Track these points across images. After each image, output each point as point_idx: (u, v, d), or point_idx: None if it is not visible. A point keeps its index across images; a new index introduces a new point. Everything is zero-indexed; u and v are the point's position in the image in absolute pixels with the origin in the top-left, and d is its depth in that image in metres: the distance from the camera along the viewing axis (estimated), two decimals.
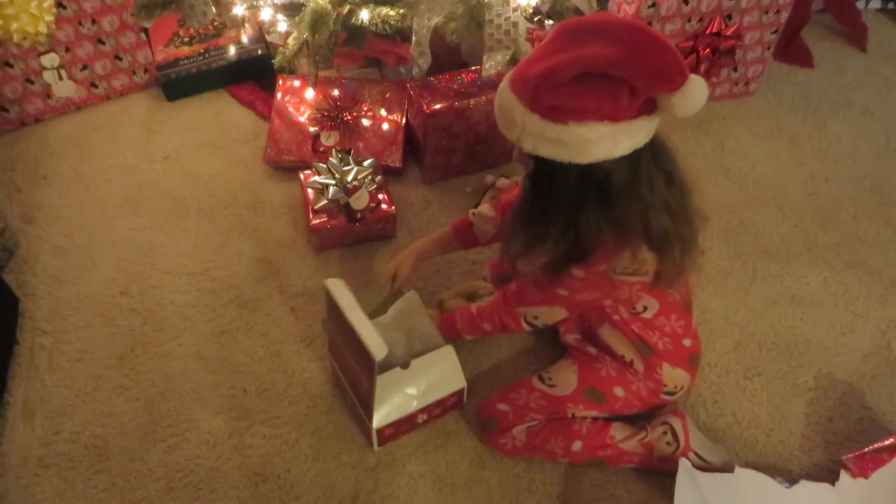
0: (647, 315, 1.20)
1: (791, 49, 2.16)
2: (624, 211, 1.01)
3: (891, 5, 2.44)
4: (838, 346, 1.48)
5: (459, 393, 1.30)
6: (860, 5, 2.40)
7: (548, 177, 1.02)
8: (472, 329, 1.31)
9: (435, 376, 1.27)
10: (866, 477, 1.19)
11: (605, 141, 0.95)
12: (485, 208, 1.38)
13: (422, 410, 1.27)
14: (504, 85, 1.01)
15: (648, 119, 0.97)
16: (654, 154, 1.02)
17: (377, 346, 1.10)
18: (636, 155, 0.99)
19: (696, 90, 0.93)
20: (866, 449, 1.23)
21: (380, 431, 1.24)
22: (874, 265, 1.64)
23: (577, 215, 1.02)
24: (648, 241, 1.04)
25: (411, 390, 1.25)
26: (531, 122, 0.96)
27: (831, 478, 1.21)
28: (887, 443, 1.23)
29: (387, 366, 1.17)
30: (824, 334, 1.50)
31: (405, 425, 1.28)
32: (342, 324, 1.18)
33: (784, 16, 1.93)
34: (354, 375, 1.23)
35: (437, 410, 1.30)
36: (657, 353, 1.23)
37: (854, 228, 1.72)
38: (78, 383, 1.37)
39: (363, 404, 1.24)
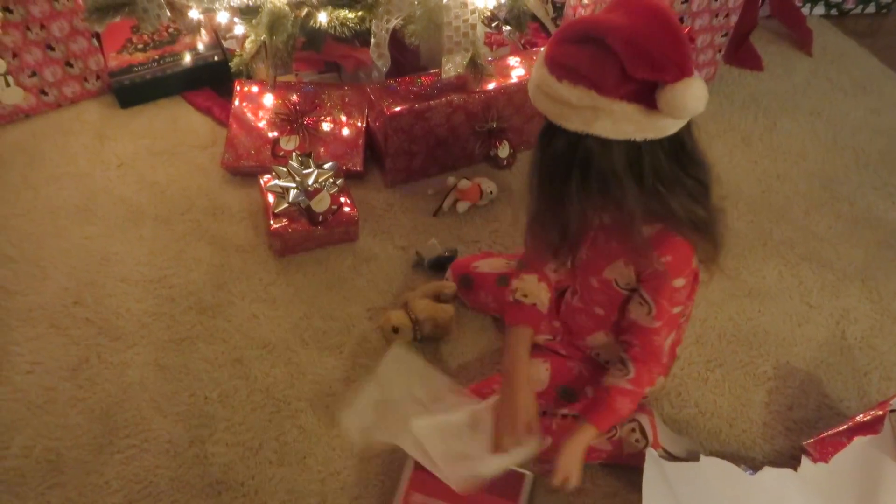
0: (682, 318, 1.22)
1: (741, 53, 2.22)
2: (614, 196, 0.97)
3: (834, 11, 2.54)
4: (795, 336, 1.52)
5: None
6: (805, 11, 2.48)
7: (548, 137, 1.00)
8: (636, 402, 1.17)
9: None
10: (826, 461, 1.22)
11: (585, 112, 0.92)
12: (519, 283, 1.23)
13: None
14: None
15: (646, 113, 0.91)
16: (677, 160, 0.98)
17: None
18: (635, 148, 0.94)
19: (686, 90, 0.88)
20: (825, 434, 1.26)
21: None
22: (826, 258, 1.69)
23: (560, 187, 1.00)
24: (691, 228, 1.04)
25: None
26: (540, 75, 0.97)
27: (793, 463, 1.23)
28: (844, 427, 1.26)
29: None
30: (781, 325, 1.53)
31: None
32: None
33: (733, 19, 1.99)
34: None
35: None
36: None
37: (806, 223, 1.77)
38: (29, 396, 1.32)
39: None
